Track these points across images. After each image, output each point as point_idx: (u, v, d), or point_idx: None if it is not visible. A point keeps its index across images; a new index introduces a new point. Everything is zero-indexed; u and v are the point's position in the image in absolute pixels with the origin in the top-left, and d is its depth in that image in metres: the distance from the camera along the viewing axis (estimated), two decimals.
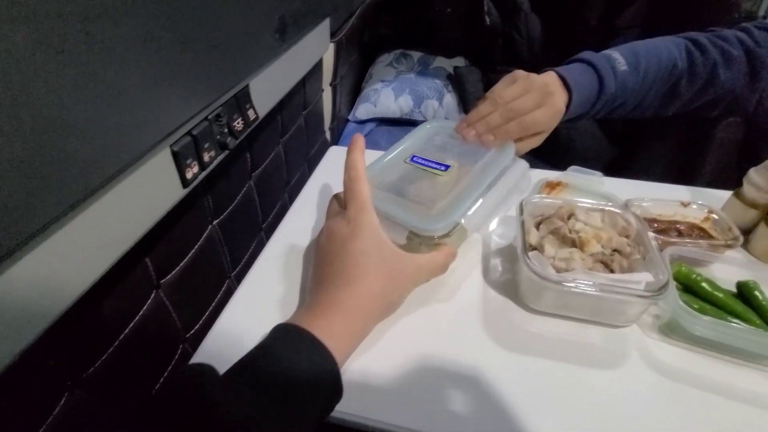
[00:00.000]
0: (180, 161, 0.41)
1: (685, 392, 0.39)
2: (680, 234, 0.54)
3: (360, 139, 0.46)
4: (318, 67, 0.89)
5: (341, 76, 1.11)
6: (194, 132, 0.43)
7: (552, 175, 0.64)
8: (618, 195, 0.59)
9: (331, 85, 1.02)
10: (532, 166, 1.34)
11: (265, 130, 0.70)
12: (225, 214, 0.61)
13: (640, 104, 0.64)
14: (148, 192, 0.39)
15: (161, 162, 0.39)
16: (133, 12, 0.33)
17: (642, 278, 0.41)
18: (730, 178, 0.61)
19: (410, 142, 0.54)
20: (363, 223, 0.40)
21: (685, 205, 0.55)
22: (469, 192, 0.45)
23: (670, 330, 0.42)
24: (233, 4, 0.46)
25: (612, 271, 0.43)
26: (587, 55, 0.61)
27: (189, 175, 0.43)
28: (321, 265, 0.41)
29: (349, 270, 0.38)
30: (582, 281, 0.40)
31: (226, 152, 0.50)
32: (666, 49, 0.64)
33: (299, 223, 0.59)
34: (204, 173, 0.46)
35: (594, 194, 0.61)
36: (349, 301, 0.37)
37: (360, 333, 0.38)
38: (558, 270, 0.42)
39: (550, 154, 1.26)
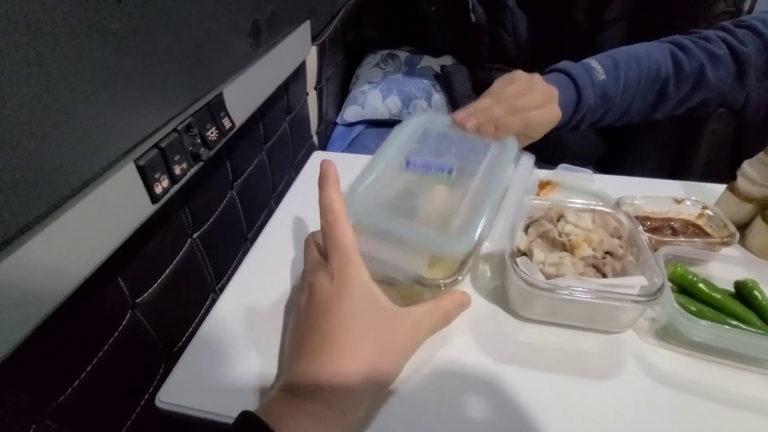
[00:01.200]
0: (147, 176, 0.39)
1: (683, 400, 0.37)
2: (674, 232, 0.52)
3: (331, 170, 0.38)
4: (300, 70, 0.87)
5: (326, 79, 1.09)
6: (162, 144, 0.41)
7: (542, 174, 0.62)
8: (609, 192, 0.58)
9: (315, 88, 1.00)
10: None
11: (246, 138, 0.68)
12: (205, 226, 0.59)
13: (626, 111, 0.63)
14: (112, 209, 0.37)
15: (126, 177, 0.37)
16: (91, 19, 0.31)
17: (636, 282, 0.39)
18: (723, 171, 0.60)
19: (400, 141, 0.48)
20: (350, 277, 0.34)
21: (678, 201, 0.53)
22: (483, 200, 0.40)
23: (667, 334, 0.41)
24: (201, 10, 0.44)
25: (604, 275, 0.41)
26: (566, 65, 0.60)
27: (158, 189, 0.41)
28: (301, 329, 0.35)
29: (333, 339, 0.33)
30: (573, 288, 0.38)
31: (201, 164, 0.48)
32: (646, 53, 0.63)
33: (283, 230, 0.57)
34: (176, 187, 0.44)
35: (585, 193, 0.60)
36: (331, 384, 0.31)
37: (343, 427, 0.32)
38: (548, 276, 0.41)
39: (541, 150, 1.25)
